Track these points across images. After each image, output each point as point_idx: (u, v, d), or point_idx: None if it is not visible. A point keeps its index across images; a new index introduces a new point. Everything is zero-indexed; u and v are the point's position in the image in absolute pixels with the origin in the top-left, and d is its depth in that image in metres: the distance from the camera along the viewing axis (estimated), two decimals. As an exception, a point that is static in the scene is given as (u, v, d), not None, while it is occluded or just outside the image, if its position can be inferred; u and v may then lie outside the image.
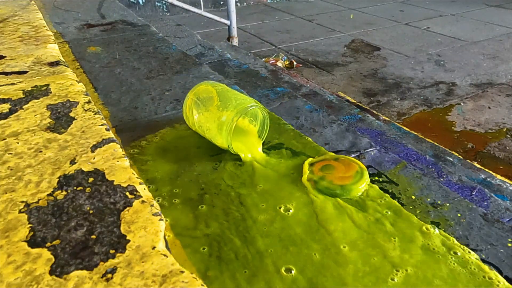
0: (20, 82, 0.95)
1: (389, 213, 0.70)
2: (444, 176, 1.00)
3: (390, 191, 0.82)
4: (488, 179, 1.12)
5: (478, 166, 1.28)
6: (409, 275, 0.58)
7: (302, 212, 0.70)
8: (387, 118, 1.88)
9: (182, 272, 0.46)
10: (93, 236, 0.51)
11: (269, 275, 0.58)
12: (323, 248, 0.62)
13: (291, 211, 0.70)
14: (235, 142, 0.83)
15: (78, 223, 0.53)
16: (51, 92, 0.90)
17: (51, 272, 0.46)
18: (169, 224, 0.66)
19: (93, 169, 0.64)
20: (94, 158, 0.67)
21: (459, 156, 1.40)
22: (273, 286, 0.56)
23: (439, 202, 0.79)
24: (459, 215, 0.76)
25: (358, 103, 2.16)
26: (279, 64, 2.64)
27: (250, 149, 0.85)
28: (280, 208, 0.71)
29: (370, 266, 0.60)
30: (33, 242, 0.50)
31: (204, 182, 0.77)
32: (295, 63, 2.77)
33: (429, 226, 0.69)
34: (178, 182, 0.77)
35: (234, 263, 0.60)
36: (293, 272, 0.58)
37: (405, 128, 1.66)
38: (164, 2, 4.04)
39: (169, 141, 0.91)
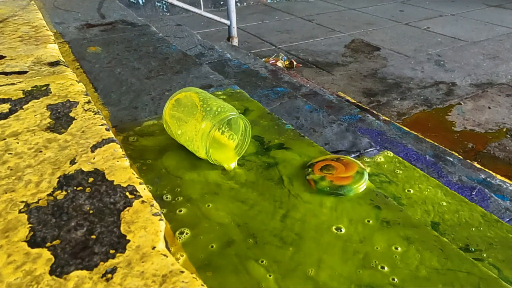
0: (20, 82, 0.95)
1: (390, 213, 0.70)
2: (444, 176, 1.00)
3: (390, 191, 0.82)
4: (488, 179, 1.12)
5: (478, 166, 1.28)
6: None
7: (301, 211, 0.70)
8: (387, 118, 1.88)
9: (182, 272, 0.46)
10: (93, 236, 0.51)
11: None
12: (326, 246, 0.62)
13: (291, 211, 0.70)
14: (216, 154, 0.80)
15: (78, 223, 0.53)
16: (51, 92, 0.90)
17: (51, 272, 0.46)
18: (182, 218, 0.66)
19: (93, 169, 0.64)
20: (94, 158, 0.67)
21: (459, 156, 1.40)
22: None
23: (439, 202, 0.79)
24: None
25: (358, 103, 2.16)
26: (279, 64, 2.64)
27: (226, 162, 0.82)
28: (280, 208, 0.71)
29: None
30: (33, 242, 0.50)
31: (205, 182, 0.77)
32: (295, 63, 2.77)
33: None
34: (178, 182, 0.77)
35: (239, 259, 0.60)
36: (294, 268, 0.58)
37: (405, 128, 1.66)
38: (164, 2, 4.04)
39: (169, 141, 0.91)
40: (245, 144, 0.83)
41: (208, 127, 0.75)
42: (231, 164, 0.82)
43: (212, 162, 0.79)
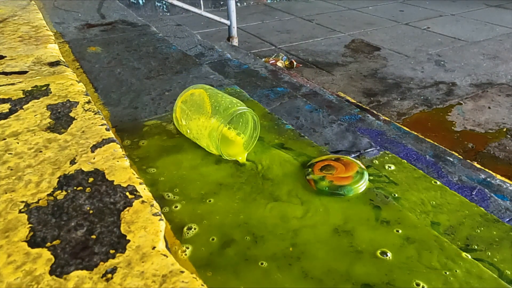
0: (20, 82, 0.95)
1: (390, 213, 0.70)
2: (444, 176, 1.00)
3: (390, 191, 0.82)
4: (488, 179, 1.12)
5: (478, 166, 1.28)
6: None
7: (300, 211, 0.70)
8: (387, 118, 1.88)
9: (182, 272, 0.46)
10: (93, 236, 0.51)
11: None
12: (326, 245, 0.62)
13: (291, 211, 0.70)
14: (226, 149, 0.82)
15: (78, 223, 0.53)
16: (51, 92, 0.90)
17: (51, 272, 0.46)
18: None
19: (93, 169, 0.64)
20: (94, 158, 0.67)
21: (459, 156, 1.40)
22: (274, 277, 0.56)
23: (439, 202, 0.79)
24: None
25: (358, 103, 2.16)
26: (279, 64, 2.64)
27: (240, 155, 0.84)
28: (279, 208, 0.71)
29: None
30: (33, 242, 0.50)
31: (206, 182, 0.77)
32: (295, 63, 2.77)
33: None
34: (178, 182, 0.77)
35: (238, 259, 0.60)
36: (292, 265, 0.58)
37: (405, 128, 1.66)
38: (164, 2, 4.04)
39: (169, 141, 0.91)
40: (253, 137, 0.85)
41: (217, 122, 0.77)
42: (241, 157, 0.84)
43: (225, 157, 0.81)
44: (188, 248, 0.62)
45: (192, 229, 0.66)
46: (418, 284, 0.57)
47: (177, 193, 0.74)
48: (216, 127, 0.77)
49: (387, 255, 0.61)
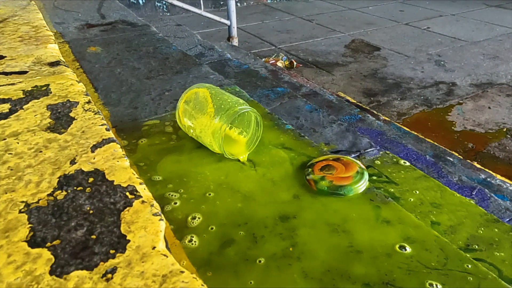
0: (20, 82, 0.95)
1: (390, 213, 0.70)
2: (444, 176, 1.00)
3: (390, 191, 0.82)
4: (488, 179, 1.12)
5: (478, 166, 1.28)
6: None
7: (300, 211, 0.70)
8: (387, 118, 1.88)
9: (182, 272, 0.46)
10: (93, 236, 0.51)
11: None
12: (326, 245, 0.62)
13: (291, 211, 0.70)
14: (229, 148, 0.83)
15: (78, 223, 0.53)
16: (51, 92, 0.90)
17: (51, 272, 0.46)
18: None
19: (93, 169, 0.64)
20: (94, 158, 0.67)
21: (459, 156, 1.40)
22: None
23: (439, 202, 0.79)
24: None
25: (358, 103, 2.16)
26: (279, 64, 2.64)
27: (242, 154, 0.84)
28: (279, 208, 0.71)
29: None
30: (33, 242, 0.50)
31: (206, 182, 0.77)
32: (295, 63, 2.77)
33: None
34: (178, 181, 0.77)
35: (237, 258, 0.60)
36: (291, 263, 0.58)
37: (405, 128, 1.66)
38: (164, 2, 4.04)
39: (168, 141, 0.91)
40: (256, 137, 0.85)
41: (220, 122, 0.77)
42: (243, 156, 0.85)
43: (227, 156, 0.81)
44: (193, 237, 0.63)
45: (196, 220, 0.66)
46: (418, 285, 0.57)
47: (177, 193, 0.74)
48: (219, 127, 0.77)
49: (387, 255, 0.61)
